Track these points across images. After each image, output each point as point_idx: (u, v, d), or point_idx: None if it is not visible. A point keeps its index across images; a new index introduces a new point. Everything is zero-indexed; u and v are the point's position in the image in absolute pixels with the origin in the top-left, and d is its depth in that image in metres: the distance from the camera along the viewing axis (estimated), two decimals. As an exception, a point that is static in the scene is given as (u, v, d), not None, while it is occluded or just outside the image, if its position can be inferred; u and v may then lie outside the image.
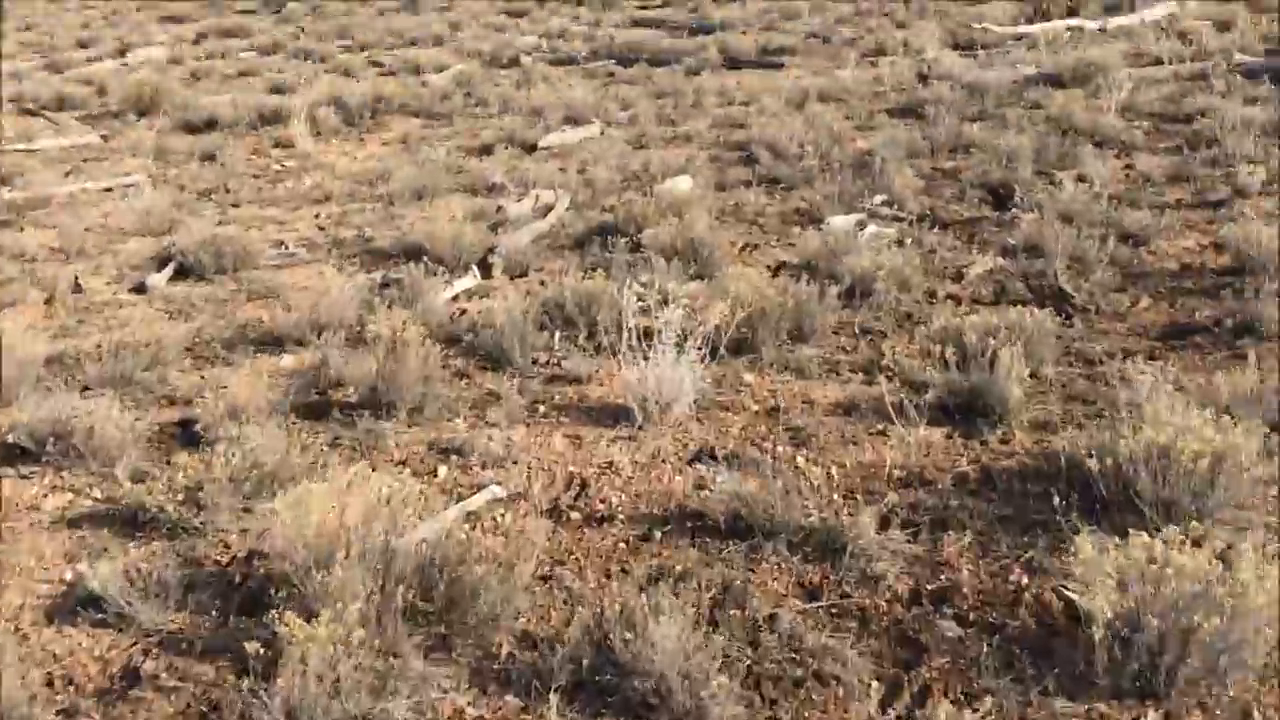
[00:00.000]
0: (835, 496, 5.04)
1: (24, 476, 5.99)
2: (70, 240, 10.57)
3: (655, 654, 3.70)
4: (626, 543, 4.83)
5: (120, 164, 13.96)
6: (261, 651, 3.58)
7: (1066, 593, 4.09)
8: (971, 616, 4.12)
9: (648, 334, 6.03)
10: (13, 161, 13.59)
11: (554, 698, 3.69)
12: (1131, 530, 3.90)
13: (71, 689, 4.10)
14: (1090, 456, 4.57)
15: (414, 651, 4.05)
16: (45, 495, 5.74)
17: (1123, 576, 3.68)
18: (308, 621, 3.79)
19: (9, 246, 10.48)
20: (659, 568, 4.58)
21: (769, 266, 8.59)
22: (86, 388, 7.08)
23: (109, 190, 12.60)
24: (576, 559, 4.74)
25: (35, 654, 4.32)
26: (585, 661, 3.87)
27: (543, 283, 8.62)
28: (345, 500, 4.35)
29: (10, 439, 6.15)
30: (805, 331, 6.95)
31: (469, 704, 3.85)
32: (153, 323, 8.34)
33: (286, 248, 10.29)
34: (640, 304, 6.08)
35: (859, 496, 5.04)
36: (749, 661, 3.93)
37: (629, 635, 3.73)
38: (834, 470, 5.32)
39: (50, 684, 4.14)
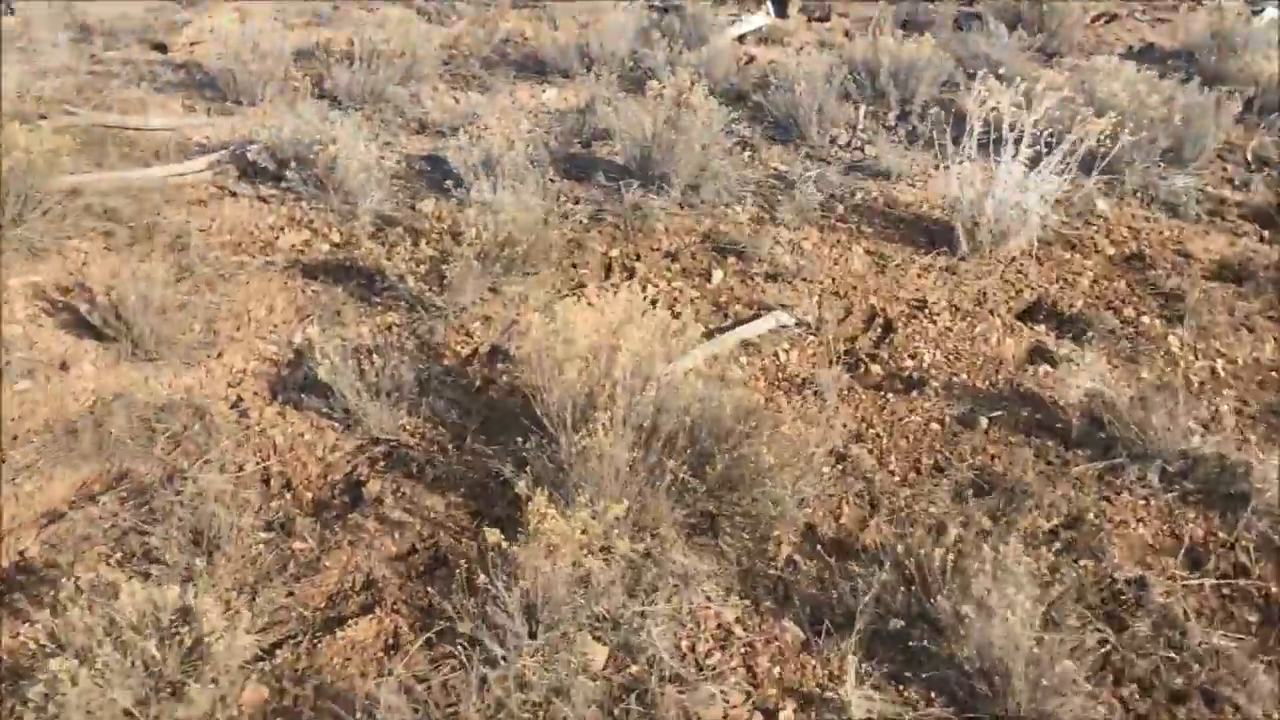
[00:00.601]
0: (1223, 408, 3.86)
1: (262, 199, 5.45)
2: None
3: (992, 627, 2.81)
4: (941, 424, 3.86)
5: None
6: (503, 544, 2.87)
7: None
8: None
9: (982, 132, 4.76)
10: None
11: (852, 657, 2.89)
12: None
13: (288, 495, 3.58)
14: None
15: (676, 537, 3.31)
16: (282, 229, 5.18)
17: None
18: (558, 495, 3.10)
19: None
20: (983, 471, 3.61)
21: (1130, 48, 6.90)
22: (335, 99, 6.41)
23: None
24: (877, 435, 3.82)
25: (253, 438, 3.82)
26: (894, 610, 3.02)
27: (848, 34, 7.24)
28: (612, 333, 3.51)
29: (250, 155, 5.59)
30: (1184, 153, 5.47)
31: (736, 621, 3.10)
32: (409, 24, 7.51)
33: (557, -52, 9.12)
34: (990, 100, 4.77)
35: (1257, 416, 3.85)
36: (1107, 649, 2.98)
37: (964, 607, 2.83)
38: (1221, 367, 4.11)
39: (266, 481, 3.64)
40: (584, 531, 2.84)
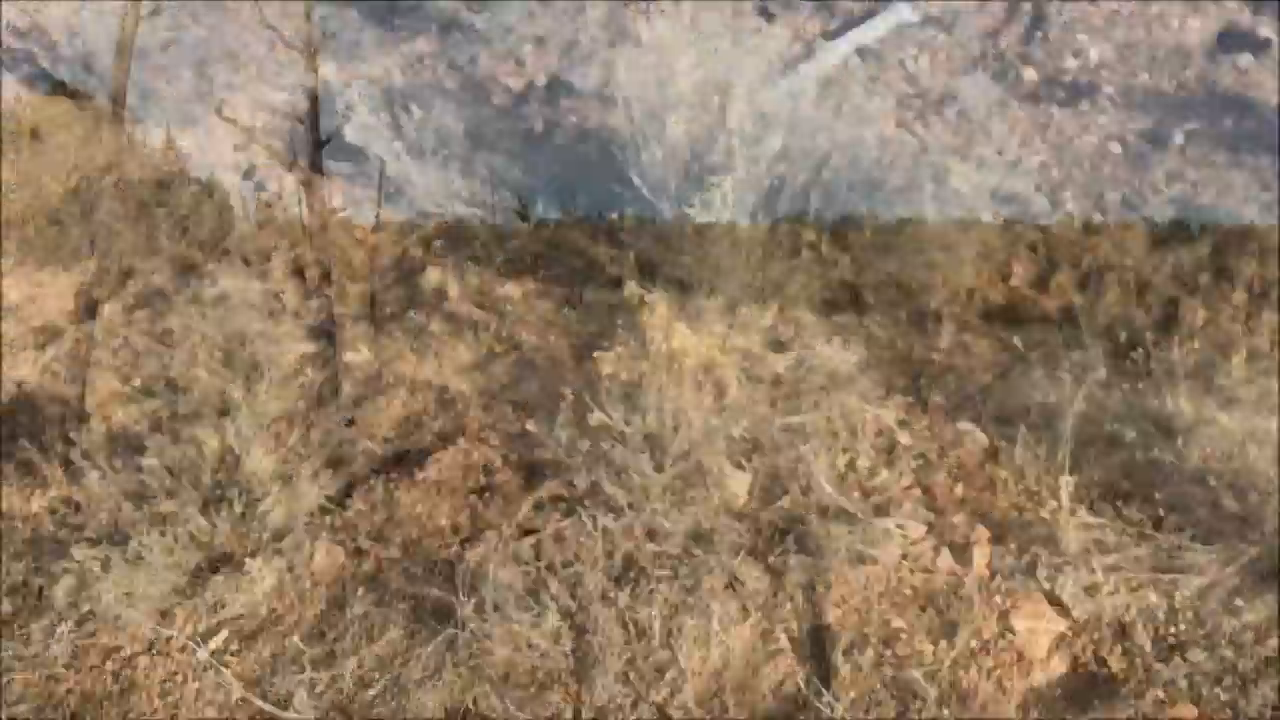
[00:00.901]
0: None
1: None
2: None
3: (1250, 429, 2.20)
4: (1123, 144, 3.09)
5: None
6: (618, 372, 2.24)
7: None
8: None
9: None
10: None
11: (1066, 476, 2.30)
12: None
13: (329, 291, 2.92)
14: None
15: (815, 318, 2.66)
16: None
17: None
18: (666, 286, 2.44)
19: None
20: (1186, 206, 2.89)
21: None
22: None
23: None
24: (1044, 164, 3.07)
25: (276, 218, 3.13)
26: (1106, 406, 2.40)
27: None
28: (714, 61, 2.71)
29: None
30: None
31: (901, 425, 2.53)
32: None
33: None
34: None
35: None
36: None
37: (1208, 407, 2.20)
38: None
39: (300, 274, 2.98)
40: (721, 350, 2.20)
